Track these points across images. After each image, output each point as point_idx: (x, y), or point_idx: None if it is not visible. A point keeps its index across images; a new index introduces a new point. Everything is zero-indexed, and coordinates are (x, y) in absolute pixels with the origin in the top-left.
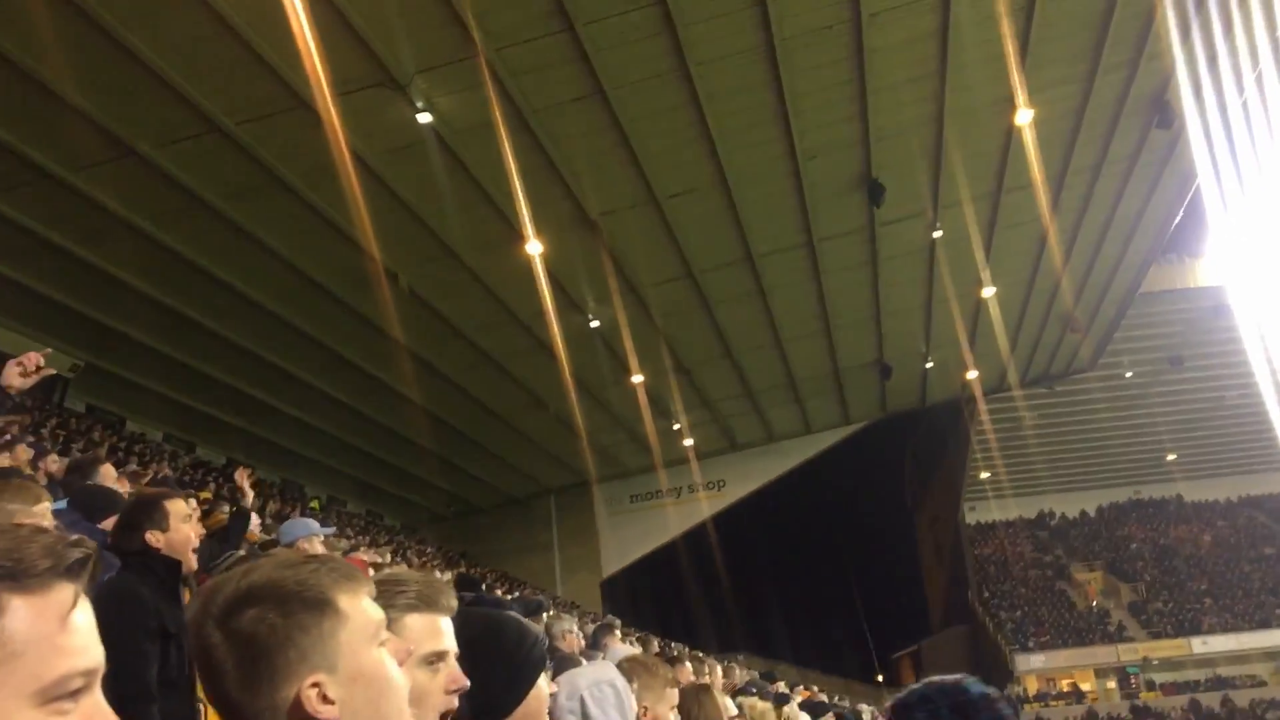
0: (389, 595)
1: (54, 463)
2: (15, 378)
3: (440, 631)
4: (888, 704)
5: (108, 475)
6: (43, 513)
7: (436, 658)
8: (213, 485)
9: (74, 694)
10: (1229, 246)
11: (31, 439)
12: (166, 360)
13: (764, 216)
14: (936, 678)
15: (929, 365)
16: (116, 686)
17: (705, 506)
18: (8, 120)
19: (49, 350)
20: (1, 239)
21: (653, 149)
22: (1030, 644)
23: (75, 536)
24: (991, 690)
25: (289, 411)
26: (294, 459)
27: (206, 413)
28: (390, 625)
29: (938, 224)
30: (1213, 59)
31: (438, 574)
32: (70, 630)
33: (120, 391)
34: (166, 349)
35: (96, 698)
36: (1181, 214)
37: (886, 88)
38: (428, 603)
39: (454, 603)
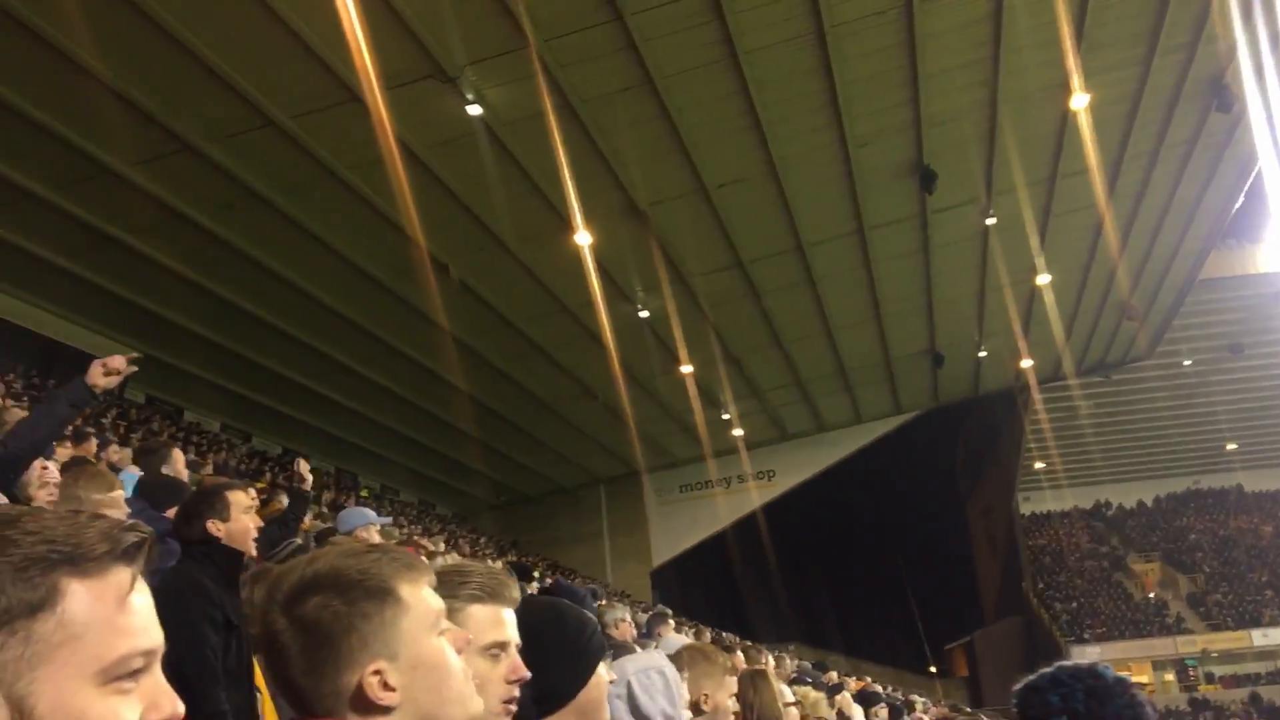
0: (452, 585)
1: (115, 452)
2: (99, 377)
3: (502, 622)
4: (1017, 686)
5: (178, 459)
6: (116, 499)
7: (498, 648)
8: (269, 474)
9: (134, 674)
10: None
11: (93, 429)
12: (223, 351)
13: (814, 204)
14: (1068, 663)
15: (982, 354)
16: (182, 673)
17: (755, 496)
18: (69, 117)
19: (135, 354)
20: (62, 234)
21: (702, 138)
22: (1086, 636)
23: (131, 521)
24: (1124, 675)
25: (342, 401)
26: (348, 449)
27: (262, 403)
28: (453, 615)
29: (991, 210)
30: (1275, 40)
31: (489, 563)
32: (129, 612)
33: (178, 382)
34: (223, 340)
35: (157, 677)
36: (1242, 199)
37: (939, 73)
38: (490, 593)
39: (516, 594)
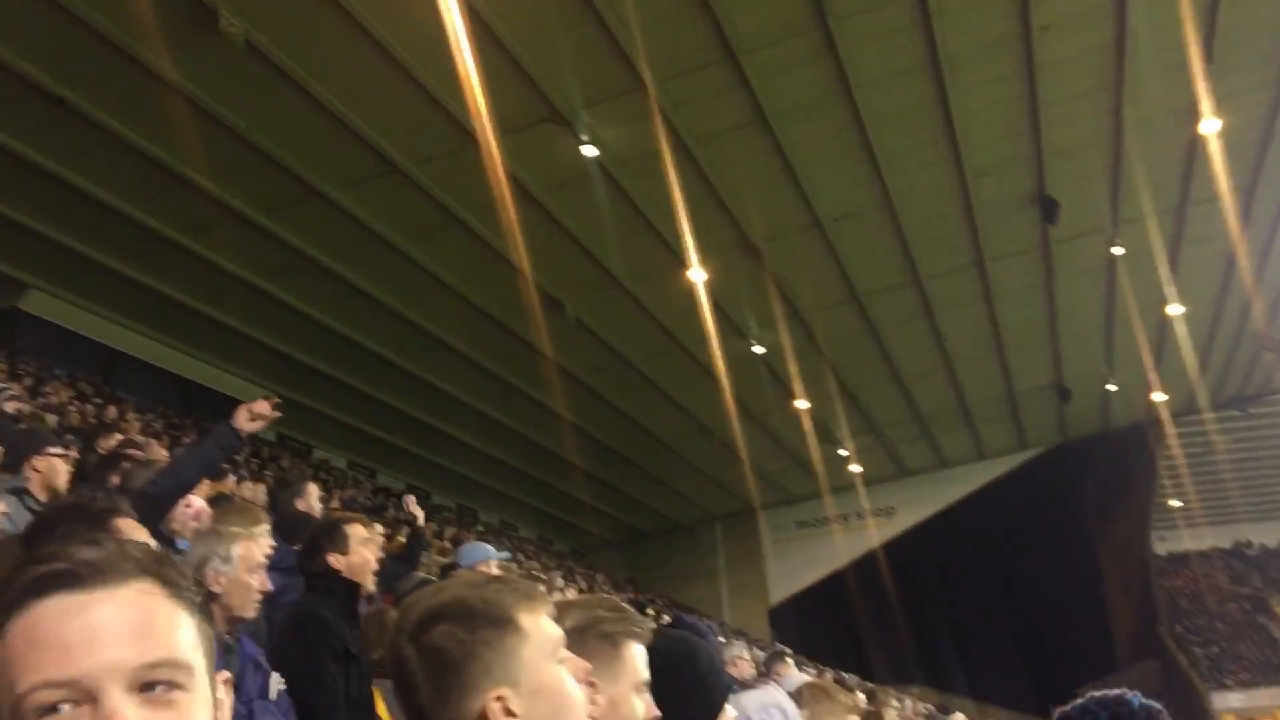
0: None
1: (248, 489)
2: (245, 421)
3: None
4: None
5: (312, 493)
6: (263, 532)
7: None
8: (393, 510)
9: (49, 710)
10: None
11: (228, 465)
12: (350, 390)
13: (931, 237)
14: (1099, 692)
15: (1111, 387)
16: (305, 703)
17: (875, 534)
18: (207, 167)
19: (277, 399)
20: (200, 279)
21: (816, 173)
22: (1228, 681)
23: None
24: (1154, 704)
25: (463, 438)
26: (469, 485)
27: (387, 440)
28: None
29: (1118, 240)
30: None
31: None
32: (41, 646)
33: (308, 420)
34: (350, 379)
35: (108, 705)
36: None
37: (1060, 101)
38: (625, 632)
39: (647, 630)
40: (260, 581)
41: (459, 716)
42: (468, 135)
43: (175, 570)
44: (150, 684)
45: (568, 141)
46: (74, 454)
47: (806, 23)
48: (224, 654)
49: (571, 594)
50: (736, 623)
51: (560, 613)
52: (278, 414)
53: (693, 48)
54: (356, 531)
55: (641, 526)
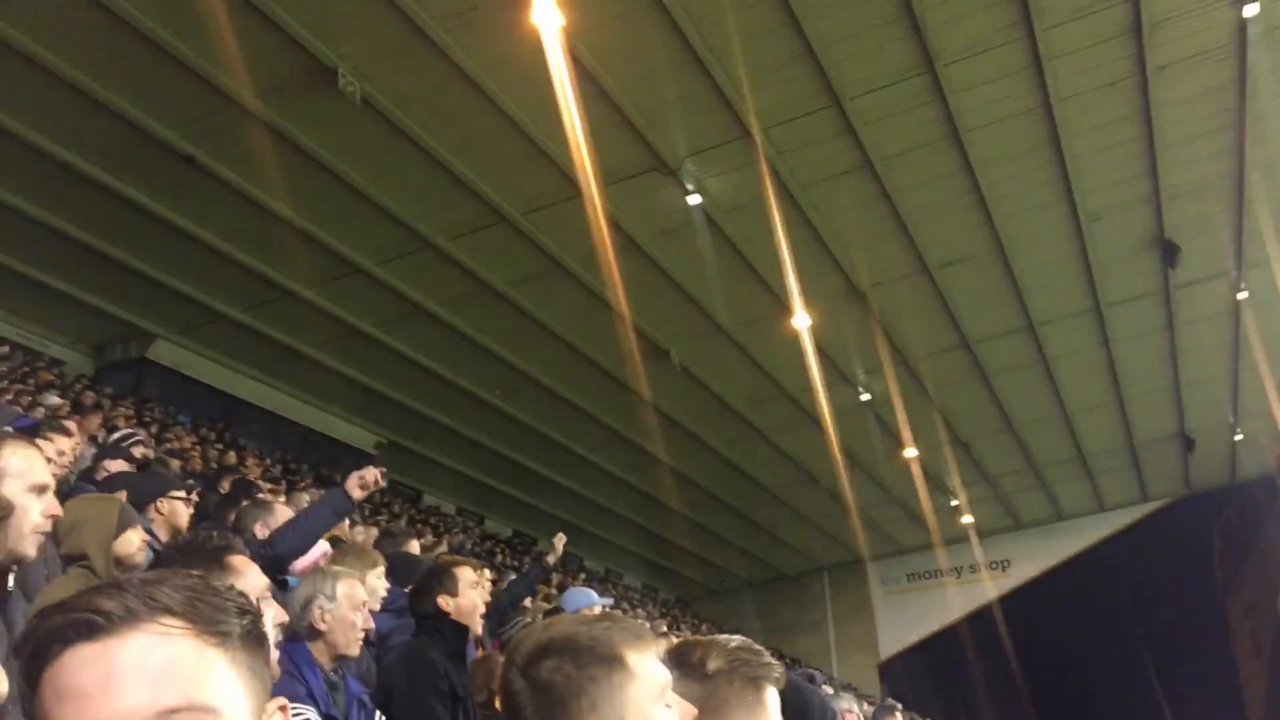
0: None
1: (360, 534)
2: (356, 489)
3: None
4: None
5: (411, 547)
6: (379, 574)
7: None
8: (500, 556)
9: None
10: None
11: None
12: (459, 437)
13: (1045, 283)
14: None
15: (1238, 437)
16: None
17: (989, 588)
18: (325, 221)
19: (383, 470)
20: (318, 329)
21: (923, 218)
22: None
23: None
24: None
25: (569, 486)
26: (574, 532)
27: (494, 487)
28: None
29: (1243, 284)
30: None
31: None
32: (62, 699)
33: (418, 466)
34: (459, 426)
35: None
36: None
37: (1178, 143)
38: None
39: (783, 675)
40: (364, 620)
41: None
42: (573, 185)
43: (212, 606)
44: None
45: (672, 190)
46: (195, 497)
47: (913, 67)
48: (330, 692)
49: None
50: (845, 676)
51: (702, 651)
52: (383, 483)
53: (798, 96)
54: (466, 575)
55: (747, 576)
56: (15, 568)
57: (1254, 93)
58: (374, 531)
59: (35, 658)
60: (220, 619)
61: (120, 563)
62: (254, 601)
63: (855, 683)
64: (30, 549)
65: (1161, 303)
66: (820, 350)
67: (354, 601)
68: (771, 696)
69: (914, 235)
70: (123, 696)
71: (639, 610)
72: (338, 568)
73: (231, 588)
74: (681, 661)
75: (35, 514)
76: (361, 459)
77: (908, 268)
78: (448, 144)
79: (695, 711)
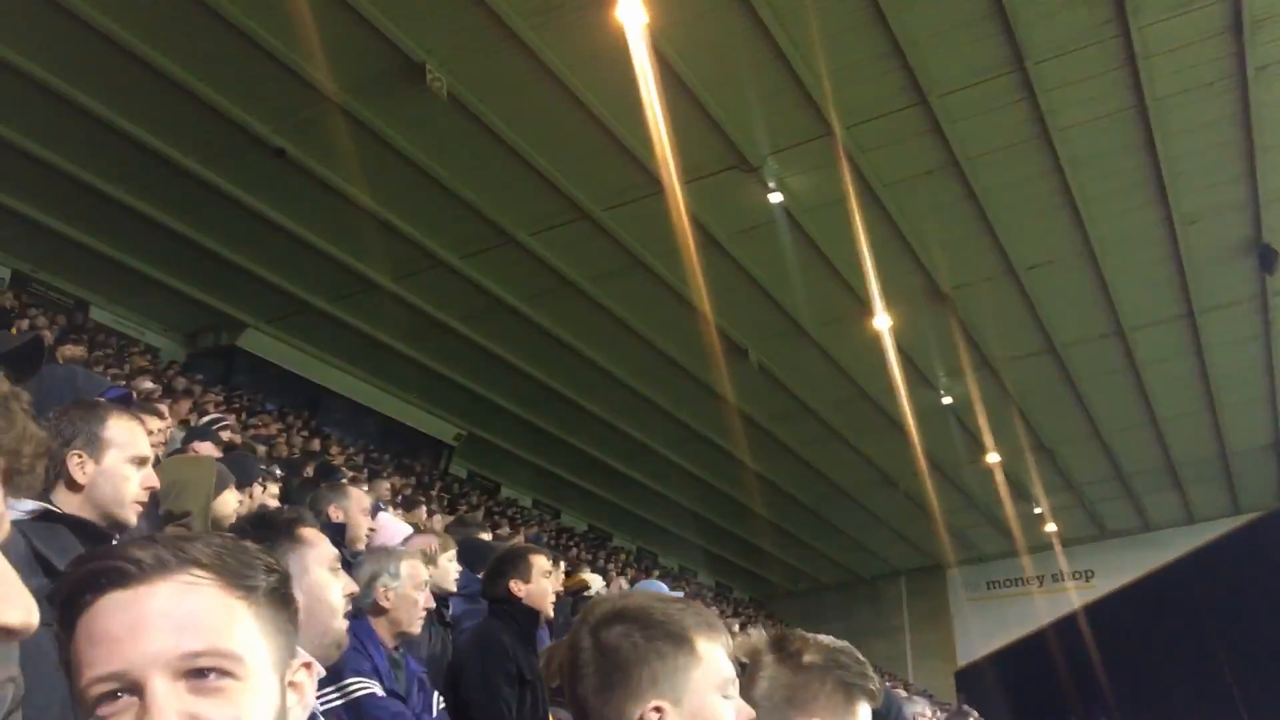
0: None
1: (438, 522)
2: None
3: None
4: None
5: (484, 537)
6: (450, 557)
7: None
8: (575, 550)
9: (106, 698)
10: None
11: (423, 498)
12: (537, 431)
13: (1136, 287)
14: None
15: None
16: None
17: (1074, 597)
18: (406, 212)
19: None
20: (402, 321)
21: (1010, 219)
22: None
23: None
24: None
25: (645, 482)
26: (649, 528)
27: (571, 481)
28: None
29: None
30: None
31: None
32: (94, 642)
33: (496, 459)
34: (537, 420)
35: (152, 694)
36: None
37: (1278, 145)
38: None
39: (880, 692)
40: (426, 598)
41: (617, 716)
42: (654, 181)
43: (240, 561)
44: (199, 671)
45: (754, 188)
46: (278, 482)
47: (1003, 65)
48: (392, 669)
49: None
50: (921, 682)
51: (801, 643)
52: None
53: (883, 93)
54: (540, 562)
55: (823, 578)
56: (117, 535)
57: None
58: (449, 520)
59: (71, 603)
60: (247, 574)
61: (217, 523)
62: (282, 564)
63: (932, 689)
64: (131, 516)
65: (1257, 309)
66: (901, 352)
67: (417, 580)
68: (863, 711)
69: (1000, 236)
70: (149, 640)
71: (712, 608)
72: (402, 548)
73: (260, 548)
74: (779, 649)
75: (135, 484)
76: (441, 449)
77: (992, 269)
78: (531, 139)
79: (753, 713)
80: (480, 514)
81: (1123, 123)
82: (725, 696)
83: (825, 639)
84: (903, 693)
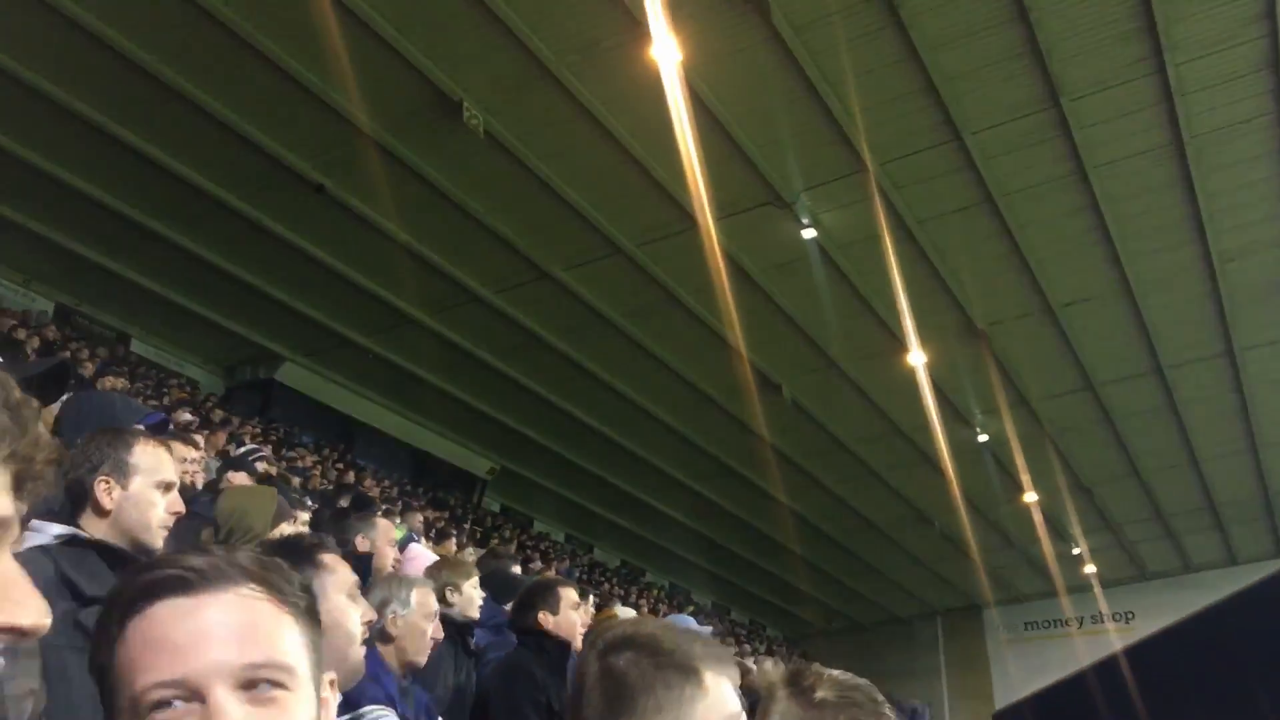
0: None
1: (469, 555)
2: None
3: None
4: None
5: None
6: (474, 584)
7: None
8: (607, 585)
9: (161, 705)
10: None
11: (455, 531)
12: (570, 466)
13: (1174, 325)
14: None
15: None
16: None
17: (1114, 639)
18: (443, 247)
19: None
20: (436, 355)
21: (1046, 256)
22: None
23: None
24: None
25: (678, 518)
26: (682, 565)
27: (604, 516)
28: None
29: None
30: None
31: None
32: (154, 649)
33: (529, 493)
34: (571, 455)
35: (215, 704)
36: None
37: None
38: None
39: None
40: (435, 629)
41: None
42: (688, 218)
43: (282, 577)
44: (254, 682)
45: (787, 224)
46: (309, 510)
47: (1038, 102)
48: (402, 698)
49: None
50: None
51: (815, 679)
52: None
53: (916, 130)
54: (569, 595)
55: (858, 617)
56: (143, 560)
57: None
58: (480, 553)
59: (125, 607)
60: (290, 591)
61: None
62: (312, 587)
63: None
64: (158, 541)
65: None
66: (936, 388)
67: (427, 610)
68: None
69: (1036, 273)
70: (212, 649)
71: (745, 645)
72: (415, 576)
73: (291, 568)
74: (793, 683)
75: (161, 509)
76: (474, 483)
77: (1028, 306)
78: (567, 175)
79: None
80: (513, 547)
81: (1160, 159)
82: None
83: (842, 675)
84: None
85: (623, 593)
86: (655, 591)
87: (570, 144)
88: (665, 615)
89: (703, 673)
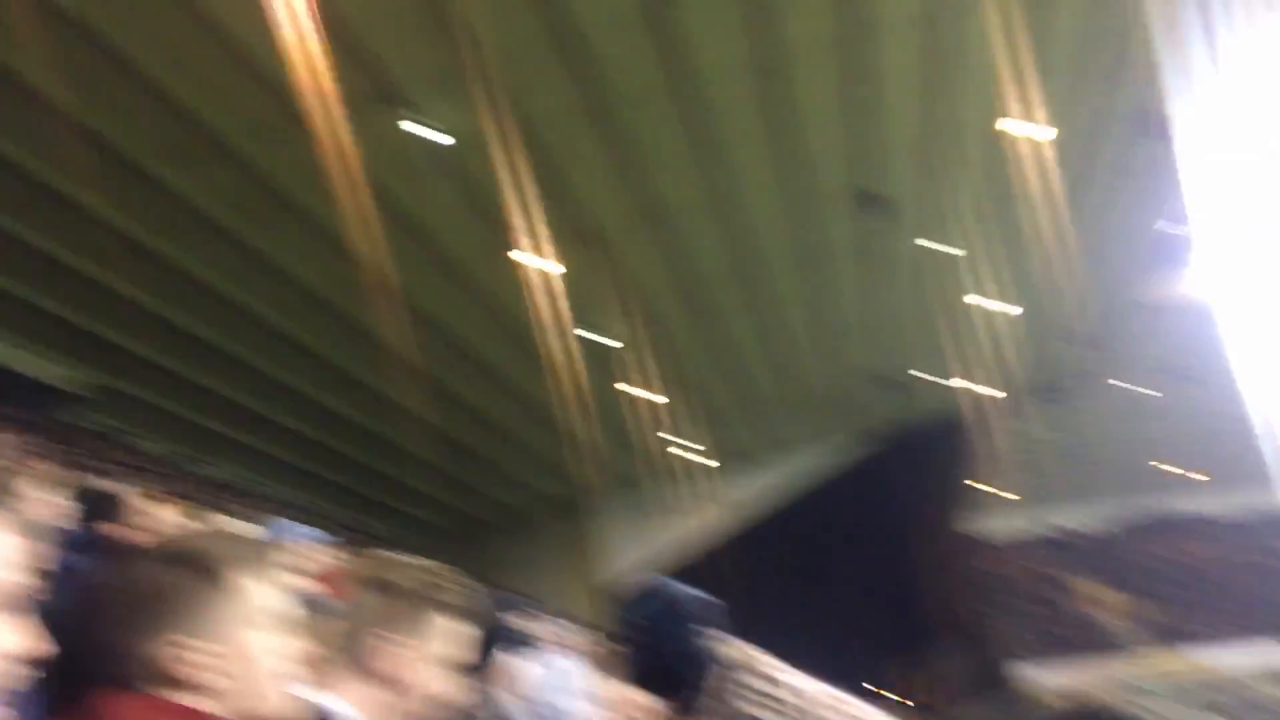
0: None
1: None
2: None
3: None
4: None
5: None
6: None
7: None
8: (216, 500)
9: None
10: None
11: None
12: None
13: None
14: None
15: (925, 376)
16: None
17: (713, 522)
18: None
19: None
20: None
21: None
22: (1030, 655)
23: None
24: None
25: (293, 427)
26: (298, 475)
27: (217, 430)
28: None
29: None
30: None
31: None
32: None
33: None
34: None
35: None
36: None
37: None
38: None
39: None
40: None
41: (138, 655)
42: (295, 114)
43: None
44: None
45: (404, 123)
46: None
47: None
48: None
49: None
50: (572, 608)
51: (387, 570)
52: None
53: (531, 34)
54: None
55: (475, 513)
56: None
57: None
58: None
59: None
60: None
61: None
62: None
63: (578, 613)
64: None
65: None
66: (547, 289)
67: None
68: (448, 626)
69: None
70: None
71: (372, 549)
72: None
73: None
74: (369, 574)
75: None
76: (67, 401)
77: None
78: (166, 66)
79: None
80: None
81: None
82: (259, 629)
83: (414, 561)
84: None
85: (234, 508)
86: (271, 504)
87: (169, 32)
88: (276, 524)
89: (222, 573)
